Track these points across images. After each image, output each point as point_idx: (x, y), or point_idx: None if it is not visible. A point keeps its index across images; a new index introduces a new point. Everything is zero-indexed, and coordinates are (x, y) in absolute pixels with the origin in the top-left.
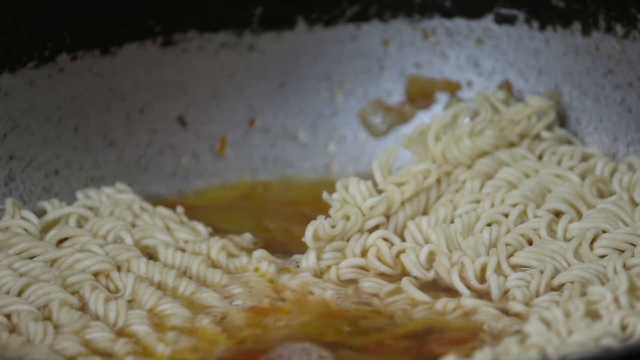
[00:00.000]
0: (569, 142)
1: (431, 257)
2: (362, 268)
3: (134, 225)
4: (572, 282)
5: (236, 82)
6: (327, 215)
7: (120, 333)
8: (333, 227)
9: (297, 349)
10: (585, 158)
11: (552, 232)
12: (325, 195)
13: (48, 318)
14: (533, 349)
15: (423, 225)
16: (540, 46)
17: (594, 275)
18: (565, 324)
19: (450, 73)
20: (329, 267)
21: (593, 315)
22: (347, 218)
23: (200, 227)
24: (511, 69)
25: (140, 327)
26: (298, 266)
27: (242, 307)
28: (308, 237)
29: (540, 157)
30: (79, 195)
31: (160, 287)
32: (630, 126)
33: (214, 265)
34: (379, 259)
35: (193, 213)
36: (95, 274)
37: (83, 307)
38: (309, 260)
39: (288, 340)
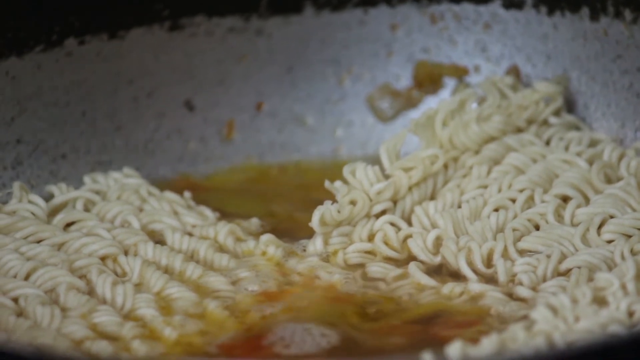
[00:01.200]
0: (577, 128)
1: (438, 242)
2: (369, 253)
3: (141, 210)
4: (579, 268)
5: (244, 67)
6: (335, 200)
7: (128, 317)
8: (340, 212)
9: (299, 329)
10: (593, 143)
11: (559, 217)
12: (327, 183)
13: (55, 302)
14: (540, 335)
15: (430, 210)
16: (548, 31)
17: (601, 261)
18: (572, 310)
19: (458, 58)
20: (336, 251)
21: (600, 301)
22: (354, 203)
23: (208, 212)
24: (519, 54)
25: (147, 311)
26: (305, 250)
27: (250, 291)
28: (315, 222)
29: (547, 143)
30: (86, 179)
31: (167, 271)
32: (638, 111)
33: (221, 249)
34: (386, 244)
35: (200, 197)
36: (103, 258)
37: (90, 291)
38: (315, 245)
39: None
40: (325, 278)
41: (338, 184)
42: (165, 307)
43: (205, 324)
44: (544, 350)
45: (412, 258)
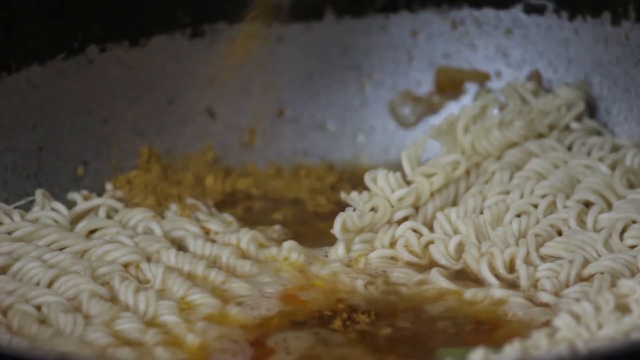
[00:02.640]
0: (599, 133)
1: (460, 248)
2: (391, 258)
3: (163, 217)
4: (602, 273)
5: (265, 73)
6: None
7: (150, 323)
8: (361, 218)
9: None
10: (615, 149)
11: (581, 222)
12: (343, 194)
13: (78, 309)
14: (562, 342)
15: (452, 216)
16: (569, 36)
17: (624, 266)
18: (595, 317)
19: (479, 63)
20: (358, 257)
21: (623, 308)
22: (376, 209)
23: (230, 219)
24: (540, 59)
25: (170, 317)
26: (327, 256)
27: (273, 296)
28: (337, 229)
29: (569, 148)
30: (108, 186)
31: (189, 277)
32: None
33: (243, 256)
34: (408, 250)
35: (222, 203)
36: (125, 265)
37: (113, 298)
38: (338, 251)
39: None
40: (348, 283)
41: (354, 194)
42: (187, 313)
43: (227, 329)
44: (567, 357)
45: (433, 264)
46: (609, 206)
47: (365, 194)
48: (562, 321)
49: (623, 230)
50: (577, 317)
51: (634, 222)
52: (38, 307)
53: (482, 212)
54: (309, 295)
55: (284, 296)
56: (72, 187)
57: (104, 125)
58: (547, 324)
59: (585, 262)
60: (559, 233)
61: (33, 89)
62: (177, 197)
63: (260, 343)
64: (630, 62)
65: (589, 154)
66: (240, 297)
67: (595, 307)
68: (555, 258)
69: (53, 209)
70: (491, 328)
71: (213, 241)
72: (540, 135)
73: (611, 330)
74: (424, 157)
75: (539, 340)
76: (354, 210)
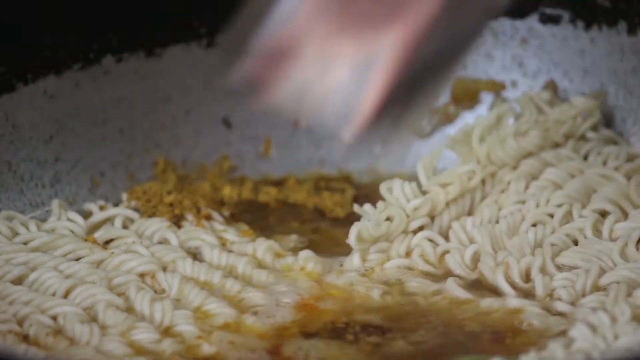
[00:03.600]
0: (615, 143)
1: (476, 258)
2: (407, 268)
3: (179, 227)
4: (618, 283)
5: None
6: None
7: (166, 333)
8: (377, 228)
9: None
10: (631, 158)
11: (597, 232)
12: (356, 207)
13: (94, 319)
14: (579, 353)
15: (468, 225)
16: (585, 46)
17: None
18: (611, 328)
19: (495, 73)
20: (374, 267)
21: (639, 319)
22: (391, 219)
23: (246, 228)
24: (556, 69)
25: (186, 327)
26: (342, 266)
27: (289, 305)
28: (352, 239)
29: (585, 158)
30: (124, 197)
31: (205, 287)
32: None
33: (260, 265)
34: (423, 259)
35: (238, 213)
36: (141, 275)
37: (129, 308)
38: (353, 261)
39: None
40: (364, 292)
41: (367, 206)
42: (203, 322)
43: (244, 339)
44: None
45: (449, 273)
46: (625, 215)
47: (380, 203)
48: (579, 332)
49: (639, 240)
50: (593, 328)
51: None
52: (54, 318)
53: (497, 222)
54: (325, 304)
55: (300, 305)
56: (88, 198)
57: (120, 135)
58: (563, 333)
59: (602, 272)
60: (575, 242)
61: (49, 100)
62: (193, 207)
63: (277, 352)
64: None
65: (604, 163)
66: (256, 306)
67: (612, 317)
68: (571, 267)
69: (69, 219)
70: (507, 337)
71: (229, 251)
72: (556, 145)
73: (627, 341)
74: (439, 167)
75: (555, 350)
76: (369, 220)
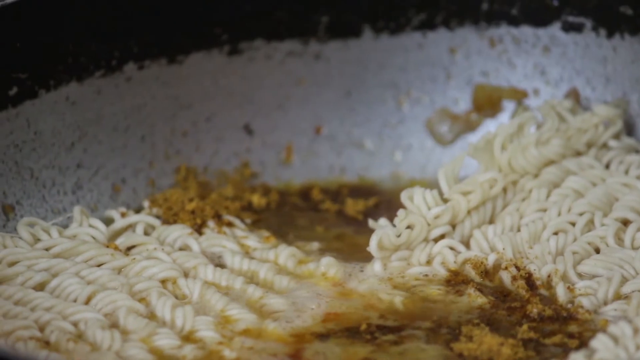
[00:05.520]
0: (637, 151)
1: (497, 265)
2: (427, 276)
3: (200, 234)
4: None
5: (302, 91)
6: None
7: (187, 339)
8: (398, 236)
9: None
10: None
11: (619, 240)
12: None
13: (115, 326)
14: None
15: (489, 233)
16: (607, 54)
17: None
18: (633, 338)
19: (517, 81)
20: (395, 274)
21: None
22: (412, 227)
23: (267, 234)
24: (578, 77)
25: (207, 333)
26: (362, 271)
27: (310, 310)
28: (373, 247)
29: (607, 166)
30: (146, 203)
31: (227, 293)
32: None
33: (281, 272)
34: (445, 267)
35: (259, 220)
36: (163, 281)
37: (150, 314)
38: (374, 269)
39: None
40: (386, 299)
41: (382, 221)
42: (224, 328)
43: (265, 344)
44: None
45: (470, 281)
46: None
47: (401, 211)
48: (600, 342)
49: None
50: (615, 339)
51: None
52: (75, 324)
53: (519, 230)
54: (346, 309)
55: (321, 311)
56: (109, 205)
57: (141, 142)
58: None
59: (624, 280)
60: (597, 251)
61: (71, 107)
62: (214, 214)
63: (298, 356)
64: None
65: (627, 172)
66: (278, 312)
67: (634, 328)
68: (592, 276)
69: (91, 226)
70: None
71: (251, 257)
72: (578, 153)
73: None
74: (461, 175)
75: None
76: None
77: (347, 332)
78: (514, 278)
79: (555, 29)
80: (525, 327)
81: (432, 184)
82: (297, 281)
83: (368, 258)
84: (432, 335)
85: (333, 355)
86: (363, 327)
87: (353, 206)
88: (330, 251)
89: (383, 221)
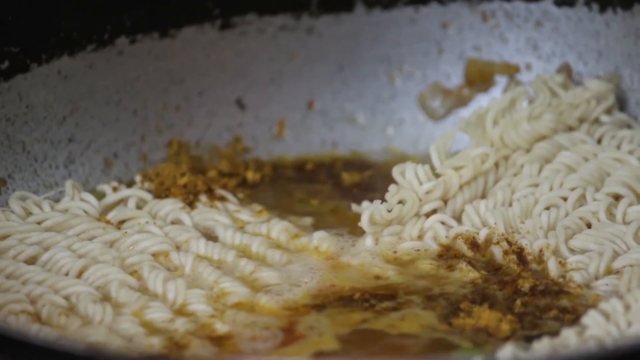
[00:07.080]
0: (629, 126)
1: (488, 240)
2: (419, 250)
3: (192, 208)
4: (631, 266)
5: (295, 65)
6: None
7: (179, 312)
8: (389, 211)
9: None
10: None
11: (611, 215)
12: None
13: (107, 299)
14: (592, 340)
15: (481, 208)
16: (600, 28)
17: None
18: (624, 315)
19: (509, 56)
20: (387, 249)
21: None
22: (403, 202)
23: (260, 208)
24: (570, 52)
25: (199, 306)
26: (354, 246)
27: (302, 284)
28: (364, 222)
29: (599, 141)
30: (137, 178)
31: (219, 267)
32: None
33: (274, 246)
34: (436, 242)
35: (252, 194)
36: (155, 255)
37: (142, 288)
38: (366, 243)
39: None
40: (378, 273)
41: (365, 204)
42: (216, 301)
43: (257, 317)
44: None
45: (462, 255)
46: (639, 199)
47: (393, 187)
48: (591, 319)
49: None
50: (606, 315)
51: None
52: (67, 297)
53: (511, 205)
54: (340, 282)
55: (314, 284)
56: (101, 179)
57: (133, 116)
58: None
59: (615, 255)
60: (589, 226)
61: (63, 80)
62: (206, 188)
63: (291, 329)
64: None
65: (618, 147)
66: (270, 285)
67: (625, 304)
68: (584, 250)
69: (83, 200)
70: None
71: (243, 231)
72: (570, 128)
73: None
74: (452, 150)
75: (568, 337)
76: (382, 202)
77: (342, 301)
78: (505, 253)
79: (547, 3)
80: (518, 302)
81: (424, 159)
82: (289, 255)
83: (362, 232)
84: (428, 303)
85: (326, 325)
86: (357, 295)
87: (349, 178)
88: (324, 225)
89: (366, 204)
